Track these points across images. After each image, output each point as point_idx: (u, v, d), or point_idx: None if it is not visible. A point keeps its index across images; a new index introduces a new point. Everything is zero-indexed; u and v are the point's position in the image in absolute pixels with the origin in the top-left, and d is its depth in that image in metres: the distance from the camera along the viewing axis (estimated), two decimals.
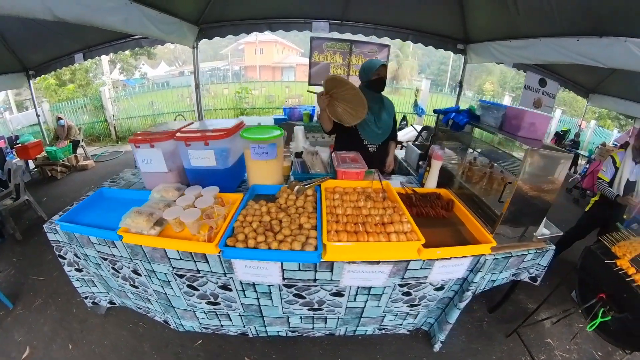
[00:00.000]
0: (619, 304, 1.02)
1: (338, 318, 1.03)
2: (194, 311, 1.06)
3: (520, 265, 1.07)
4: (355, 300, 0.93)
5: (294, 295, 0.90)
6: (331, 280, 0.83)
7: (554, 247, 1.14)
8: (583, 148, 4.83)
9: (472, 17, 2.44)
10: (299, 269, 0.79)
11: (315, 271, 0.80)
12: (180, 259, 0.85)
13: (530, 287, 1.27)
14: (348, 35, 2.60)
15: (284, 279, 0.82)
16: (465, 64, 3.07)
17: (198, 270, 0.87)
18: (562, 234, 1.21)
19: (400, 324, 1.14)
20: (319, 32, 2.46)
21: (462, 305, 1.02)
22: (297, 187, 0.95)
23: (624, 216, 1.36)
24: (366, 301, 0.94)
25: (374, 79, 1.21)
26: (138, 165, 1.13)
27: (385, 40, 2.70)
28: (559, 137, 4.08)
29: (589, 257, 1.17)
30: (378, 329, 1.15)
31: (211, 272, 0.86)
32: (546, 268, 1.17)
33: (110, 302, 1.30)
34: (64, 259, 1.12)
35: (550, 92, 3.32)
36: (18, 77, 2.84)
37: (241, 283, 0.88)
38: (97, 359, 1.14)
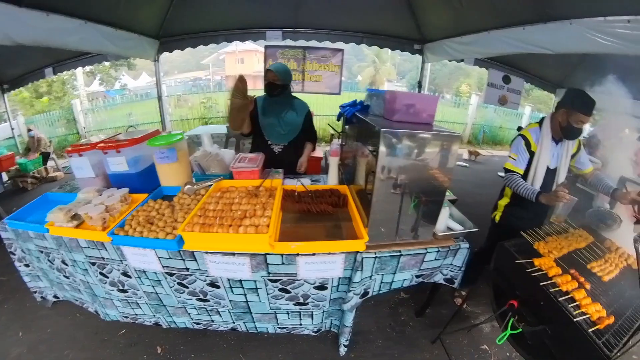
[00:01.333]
0: (535, 313, 1.09)
1: (229, 311, 1.39)
2: (112, 299, 1.50)
3: (422, 265, 1.29)
4: (233, 292, 1.28)
5: (178, 284, 1.28)
6: (200, 270, 1.20)
7: (467, 246, 1.34)
8: None
9: (422, 16, 2.88)
10: (169, 257, 1.18)
11: (183, 260, 1.18)
12: (89, 247, 1.29)
13: (470, 290, 1.47)
14: (302, 42, 3.11)
15: (163, 266, 1.22)
16: (423, 64, 3.62)
17: (103, 258, 1.31)
18: (476, 229, 1.37)
19: (300, 324, 1.46)
20: (272, 41, 2.96)
21: (348, 306, 1.27)
22: (187, 187, 1.35)
23: (552, 221, 1.35)
24: (245, 295, 1.29)
25: (265, 84, 1.58)
26: (73, 172, 1.63)
27: (339, 44, 3.20)
28: None
29: (502, 255, 1.28)
30: (279, 327, 1.48)
31: (111, 259, 1.29)
32: (462, 269, 1.38)
33: (55, 297, 1.82)
34: (14, 255, 1.65)
35: (515, 89, 4.14)
36: None
37: (135, 270, 1.29)
38: (40, 343, 1.64)
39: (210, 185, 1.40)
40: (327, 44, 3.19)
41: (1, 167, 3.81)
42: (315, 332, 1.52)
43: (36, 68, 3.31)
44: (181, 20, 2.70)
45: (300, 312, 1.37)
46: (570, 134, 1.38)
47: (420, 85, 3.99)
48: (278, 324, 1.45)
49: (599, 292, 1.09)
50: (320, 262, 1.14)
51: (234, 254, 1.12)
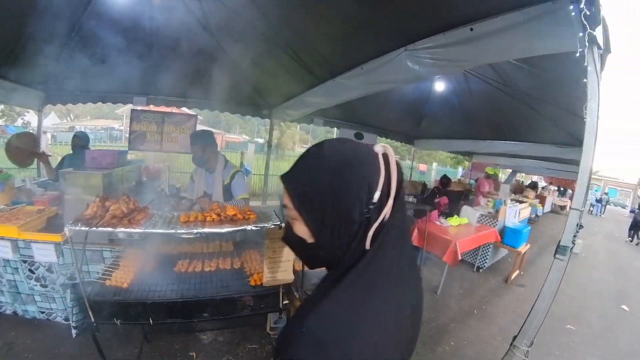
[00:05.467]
0: None
1: (7, 291, 3.31)
2: None
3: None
4: (7, 272, 3.24)
5: None
6: None
7: None
8: None
9: (262, 89, 5.47)
10: None
11: None
12: None
13: None
14: (163, 107, 5.72)
15: None
16: (271, 126, 6.73)
17: None
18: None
19: (51, 309, 3.31)
20: (138, 105, 5.54)
21: (58, 283, 3.16)
22: (2, 207, 3.51)
23: None
24: (12, 274, 3.24)
25: (73, 145, 3.91)
26: None
27: (195, 110, 5.79)
28: None
29: None
30: (40, 312, 3.34)
31: None
32: None
33: None
34: None
35: (369, 143, 7.88)
36: None
37: None
38: None
39: (17, 207, 3.53)
40: (185, 109, 5.73)
41: None
42: (65, 320, 3.33)
43: None
44: (64, 77, 5.05)
45: (46, 294, 3.25)
46: (199, 163, 3.38)
47: (269, 145, 6.83)
48: (38, 307, 3.31)
49: None
50: (43, 249, 3.10)
51: (3, 238, 3.14)
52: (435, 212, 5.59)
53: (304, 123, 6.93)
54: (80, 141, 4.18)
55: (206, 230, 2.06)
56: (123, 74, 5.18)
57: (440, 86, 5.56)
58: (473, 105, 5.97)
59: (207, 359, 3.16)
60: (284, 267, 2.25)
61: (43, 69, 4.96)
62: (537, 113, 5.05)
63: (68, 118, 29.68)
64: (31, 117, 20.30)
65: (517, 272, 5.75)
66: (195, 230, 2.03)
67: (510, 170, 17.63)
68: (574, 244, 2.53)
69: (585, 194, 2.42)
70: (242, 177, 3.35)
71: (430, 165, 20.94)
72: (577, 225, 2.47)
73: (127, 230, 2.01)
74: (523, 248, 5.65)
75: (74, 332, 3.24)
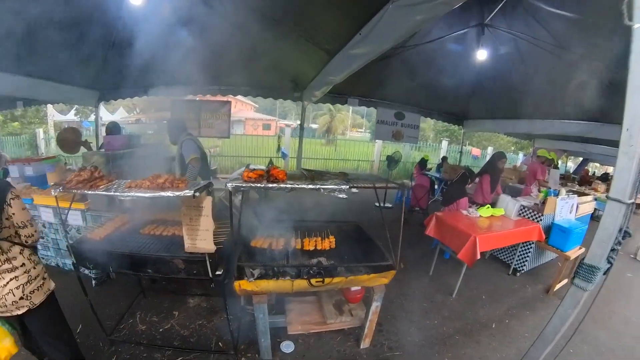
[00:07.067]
0: None
1: (52, 247, 3.96)
2: None
3: None
4: (50, 232, 3.88)
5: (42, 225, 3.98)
6: (39, 215, 3.87)
7: None
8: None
9: (289, 70, 5.47)
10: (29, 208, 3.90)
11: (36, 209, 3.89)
12: None
13: None
14: (200, 96, 6.04)
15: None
16: (303, 109, 6.46)
17: None
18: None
19: None
20: (177, 95, 5.86)
21: None
22: (54, 184, 4.18)
23: None
24: (55, 234, 3.86)
25: None
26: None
27: (229, 97, 5.94)
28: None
29: None
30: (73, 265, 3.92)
31: None
32: None
33: None
34: None
35: (412, 124, 7.29)
36: None
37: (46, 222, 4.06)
38: None
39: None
40: (220, 96, 5.89)
41: None
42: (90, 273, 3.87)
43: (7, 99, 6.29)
44: (114, 75, 5.69)
45: None
46: (172, 142, 4.10)
47: (302, 126, 6.56)
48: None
49: None
50: (74, 214, 3.62)
51: (47, 206, 3.75)
52: (464, 200, 4.97)
53: (338, 104, 7.03)
54: (111, 130, 4.94)
55: (132, 194, 2.24)
56: (164, 70, 5.69)
57: (486, 56, 4.89)
58: (527, 77, 5.21)
59: (185, 320, 3.40)
60: (203, 236, 2.25)
61: (95, 72, 5.73)
62: (604, 82, 4.07)
63: (135, 112, 33.56)
64: (103, 112, 23.61)
65: (563, 281, 4.50)
66: (126, 194, 2.23)
67: (581, 159, 14.97)
68: (610, 263, 1.71)
69: (636, 172, 1.55)
70: (188, 142, 3.88)
71: (485, 150, 18.80)
72: (619, 230, 1.67)
73: (86, 192, 2.36)
74: (574, 252, 4.41)
75: (93, 282, 3.78)
